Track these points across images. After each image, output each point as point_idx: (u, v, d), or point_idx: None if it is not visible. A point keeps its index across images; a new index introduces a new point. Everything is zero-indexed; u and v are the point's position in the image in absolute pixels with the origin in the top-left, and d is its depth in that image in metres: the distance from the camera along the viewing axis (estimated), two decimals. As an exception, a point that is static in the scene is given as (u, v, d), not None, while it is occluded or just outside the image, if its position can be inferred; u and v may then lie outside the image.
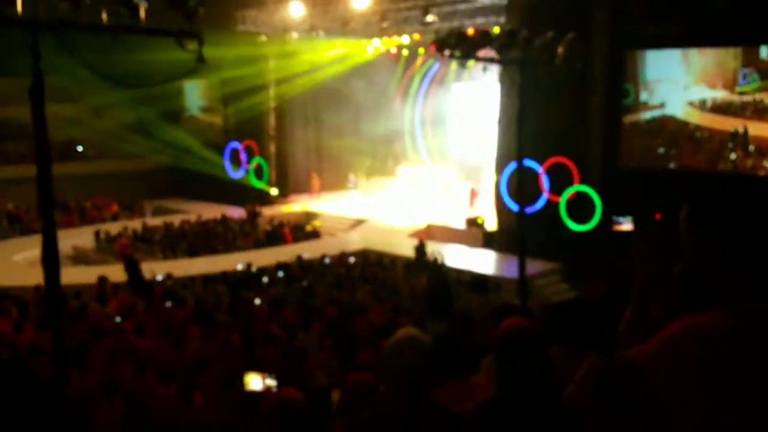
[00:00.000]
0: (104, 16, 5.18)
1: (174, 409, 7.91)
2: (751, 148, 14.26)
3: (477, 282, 13.67)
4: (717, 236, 1.73)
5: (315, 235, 21.47)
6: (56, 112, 24.00)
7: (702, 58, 15.41)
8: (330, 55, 24.87)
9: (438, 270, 15.54)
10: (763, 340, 1.63)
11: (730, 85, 14.66)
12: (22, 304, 12.56)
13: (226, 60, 23.15)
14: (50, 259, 5.59)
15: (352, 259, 16.83)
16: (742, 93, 14.44)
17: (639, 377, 1.84)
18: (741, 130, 14.41)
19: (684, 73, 15.63)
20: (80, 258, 19.56)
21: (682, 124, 15.62)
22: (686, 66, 15.58)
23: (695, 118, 15.33)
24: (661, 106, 16.03)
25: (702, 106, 15.14)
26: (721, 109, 14.77)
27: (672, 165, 16.04)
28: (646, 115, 16.20)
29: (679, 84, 15.61)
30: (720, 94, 14.83)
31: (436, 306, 4.99)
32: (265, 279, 14.81)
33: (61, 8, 4.93)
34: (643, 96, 16.35)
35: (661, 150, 16.00)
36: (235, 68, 24.68)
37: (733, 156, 14.65)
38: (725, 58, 14.97)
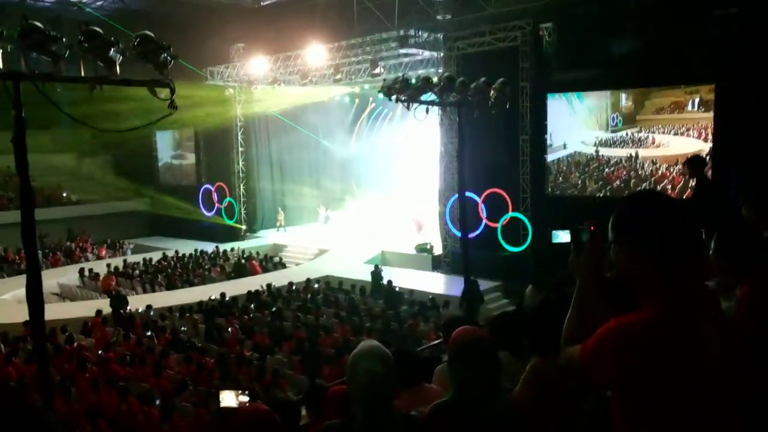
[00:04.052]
0: (82, 69, 5.07)
1: (154, 430, 7.62)
2: (645, 164, 15.86)
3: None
4: (640, 240, 1.73)
5: (282, 265, 21.18)
6: (43, 162, 23.49)
7: (582, 107, 16.73)
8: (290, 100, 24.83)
9: (392, 290, 15.51)
10: (681, 329, 1.64)
11: (604, 127, 16.34)
12: (10, 339, 12.00)
13: (196, 111, 22.99)
14: (34, 296, 5.32)
15: (316, 286, 16.64)
16: (614, 131, 16.18)
17: (579, 373, 1.81)
18: (633, 154, 15.97)
19: (569, 119, 16.82)
20: (66, 294, 18.86)
21: (590, 157, 16.66)
22: (571, 114, 16.82)
23: (595, 151, 16.60)
24: (564, 146, 17.01)
25: (594, 143, 16.55)
26: (608, 143, 16.38)
27: (594, 188, 16.58)
28: (559, 154, 17.10)
29: (569, 128, 16.83)
30: (601, 134, 16.43)
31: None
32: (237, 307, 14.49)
33: (41, 62, 4.80)
34: (547, 139, 17.18)
35: (586, 178, 16.65)
36: (204, 119, 24.50)
37: (647, 168, 15.89)
38: (599, 105, 16.50)
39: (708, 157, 14.47)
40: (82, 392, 9.17)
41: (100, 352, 11.25)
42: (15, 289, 17.44)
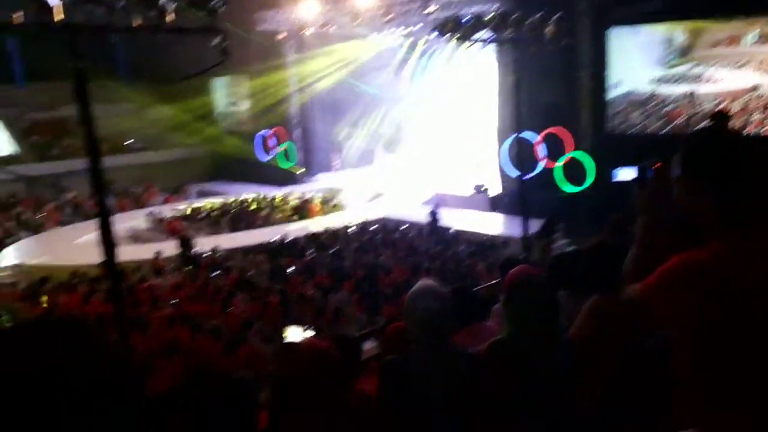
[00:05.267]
0: (136, 19, 5.12)
1: (225, 363, 7.98)
2: (705, 101, 15.17)
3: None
4: (705, 176, 1.67)
5: (339, 207, 21.43)
6: (105, 111, 24.11)
7: (635, 44, 15.97)
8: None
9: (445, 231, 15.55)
10: (746, 266, 1.60)
11: (659, 64, 15.68)
12: (88, 280, 12.67)
13: (248, 58, 23.06)
14: (106, 240, 5.57)
15: (373, 228, 16.78)
16: (669, 68, 15.49)
17: (640, 311, 1.78)
18: (691, 91, 15.32)
19: (622, 56, 16.05)
20: (135, 238, 19.69)
21: (648, 95, 15.96)
22: (623, 51, 16.05)
23: (653, 89, 15.89)
24: (619, 83, 16.31)
25: (650, 80, 15.84)
26: (664, 80, 15.67)
27: (656, 127, 15.84)
28: (614, 93, 16.43)
29: (623, 66, 16.12)
30: (656, 71, 15.72)
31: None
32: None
33: (96, 14, 4.86)
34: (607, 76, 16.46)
35: (646, 116, 15.97)
36: (257, 65, 24.64)
37: (707, 105, 15.13)
38: (652, 41, 15.73)
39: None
40: (156, 329, 9.66)
41: (170, 291, 11.76)
42: (88, 233, 18.30)
